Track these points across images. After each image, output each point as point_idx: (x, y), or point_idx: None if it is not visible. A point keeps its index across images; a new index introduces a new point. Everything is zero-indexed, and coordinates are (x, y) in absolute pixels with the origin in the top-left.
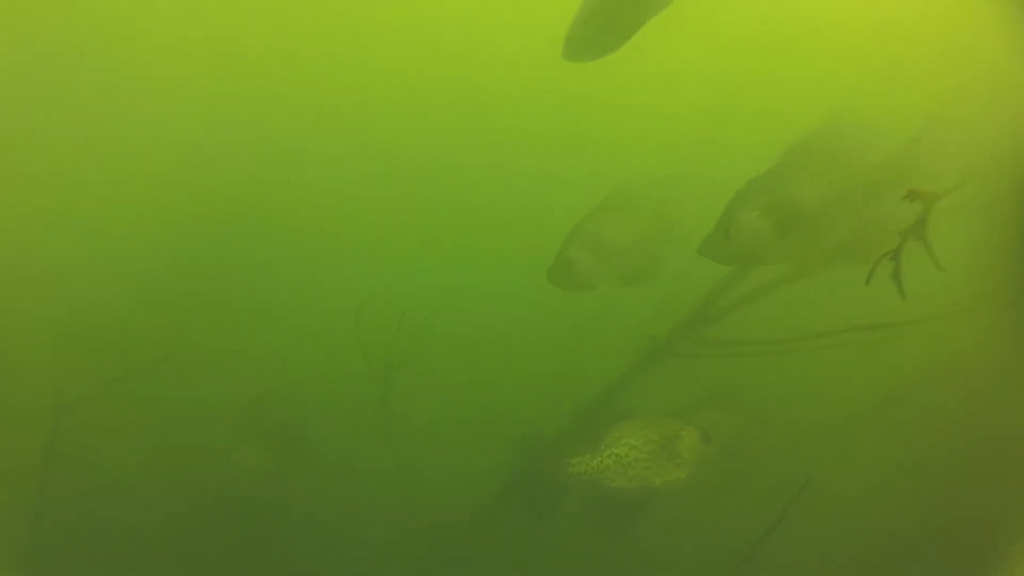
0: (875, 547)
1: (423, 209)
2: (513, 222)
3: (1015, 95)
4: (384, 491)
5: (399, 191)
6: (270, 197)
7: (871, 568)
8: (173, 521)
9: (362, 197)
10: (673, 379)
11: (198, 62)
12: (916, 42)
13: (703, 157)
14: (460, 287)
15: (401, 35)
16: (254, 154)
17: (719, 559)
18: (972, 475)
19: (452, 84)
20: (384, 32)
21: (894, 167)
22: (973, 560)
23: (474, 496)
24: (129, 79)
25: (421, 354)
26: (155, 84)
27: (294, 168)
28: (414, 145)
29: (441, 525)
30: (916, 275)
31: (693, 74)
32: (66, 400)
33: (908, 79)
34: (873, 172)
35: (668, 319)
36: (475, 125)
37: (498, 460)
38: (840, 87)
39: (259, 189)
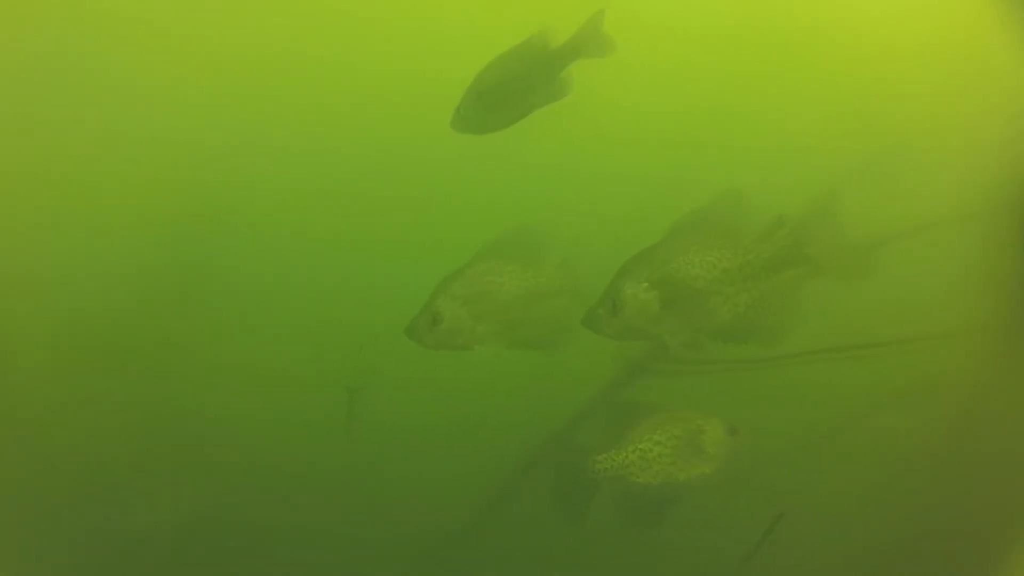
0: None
1: (413, 209)
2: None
3: (1009, 116)
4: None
5: (390, 191)
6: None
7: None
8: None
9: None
10: (648, 395)
11: (195, 62)
12: (912, 52)
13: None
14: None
15: (398, 34)
16: (247, 155)
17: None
18: (956, 493)
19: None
20: (381, 31)
21: (783, 244)
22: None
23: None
24: (125, 80)
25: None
26: (152, 84)
27: (289, 170)
28: (408, 146)
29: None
30: (902, 294)
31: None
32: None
33: (905, 87)
34: (762, 249)
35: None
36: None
37: (477, 466)
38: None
39: (248, 191)
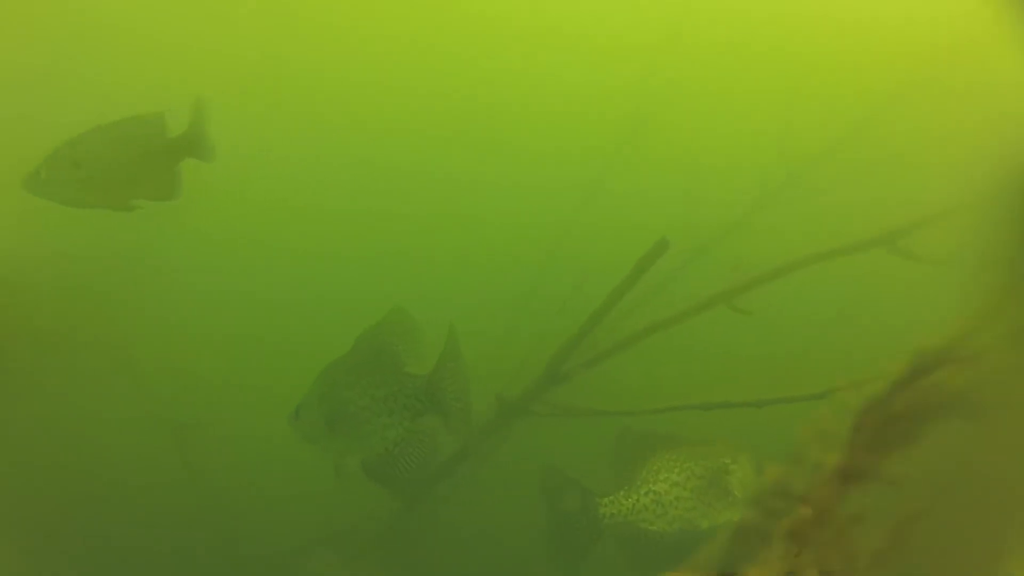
0: None
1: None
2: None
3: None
4: None
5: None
6: None
7: None
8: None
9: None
10: (528, 437)
11: (192, 67)
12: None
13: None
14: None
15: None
16: None
17: None
18: None
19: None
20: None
21: (420, 386)
22: None
23: None
24: (118, 83)
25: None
26: (149, 89)
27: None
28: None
29: None
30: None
31: None
32: None
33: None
34: (406, 382)
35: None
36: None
37: None
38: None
39: None
